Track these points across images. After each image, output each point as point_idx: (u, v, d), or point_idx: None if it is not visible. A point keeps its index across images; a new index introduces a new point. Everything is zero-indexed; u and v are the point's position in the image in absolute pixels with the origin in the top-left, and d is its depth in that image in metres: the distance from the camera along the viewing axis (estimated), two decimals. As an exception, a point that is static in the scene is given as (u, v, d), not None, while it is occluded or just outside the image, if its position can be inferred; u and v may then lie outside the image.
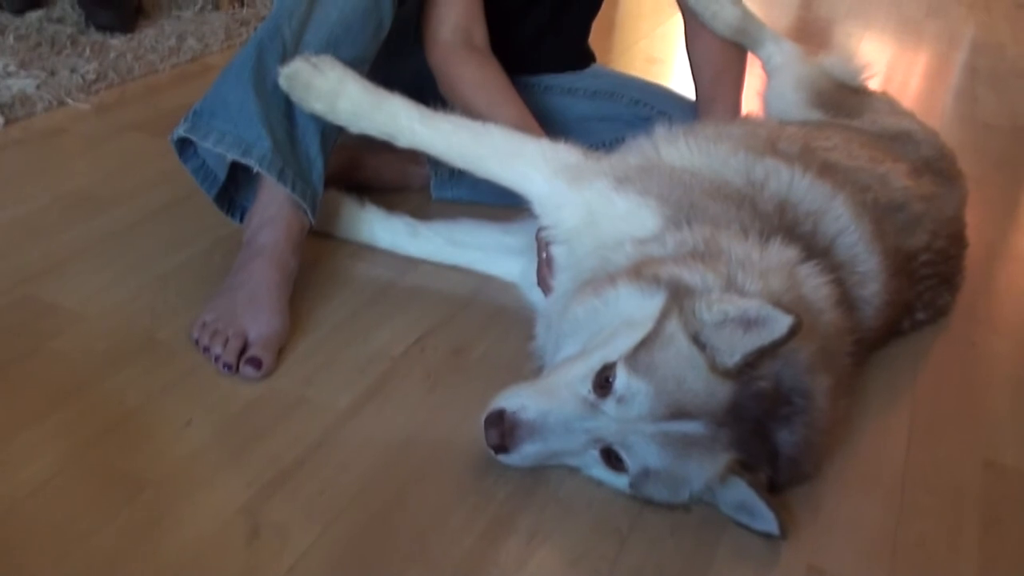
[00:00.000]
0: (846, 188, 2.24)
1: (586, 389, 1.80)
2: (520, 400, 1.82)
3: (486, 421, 1.83)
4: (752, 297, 1.81)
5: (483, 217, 2.64)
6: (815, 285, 1.98)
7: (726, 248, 1.95)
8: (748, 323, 1.75)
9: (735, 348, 1.74)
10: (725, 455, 1.78)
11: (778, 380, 1.78)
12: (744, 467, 1.79)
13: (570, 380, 1.82)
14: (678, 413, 1.74)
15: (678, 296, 1.83)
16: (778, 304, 1.76)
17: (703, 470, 1.79)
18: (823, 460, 2.00)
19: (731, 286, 1.86)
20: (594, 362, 1.81)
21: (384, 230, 2.59)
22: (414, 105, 2.29)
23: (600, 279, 1.96)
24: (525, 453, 1.82)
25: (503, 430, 1.80)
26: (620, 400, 1.76)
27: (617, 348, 1.80)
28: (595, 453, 1.83)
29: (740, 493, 1.80)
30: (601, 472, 1.87)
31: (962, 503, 2.06)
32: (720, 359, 1.74)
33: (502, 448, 1.82)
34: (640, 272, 1.91)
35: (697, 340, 1.76)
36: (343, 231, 2.59)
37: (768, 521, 1.78)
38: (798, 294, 1.94)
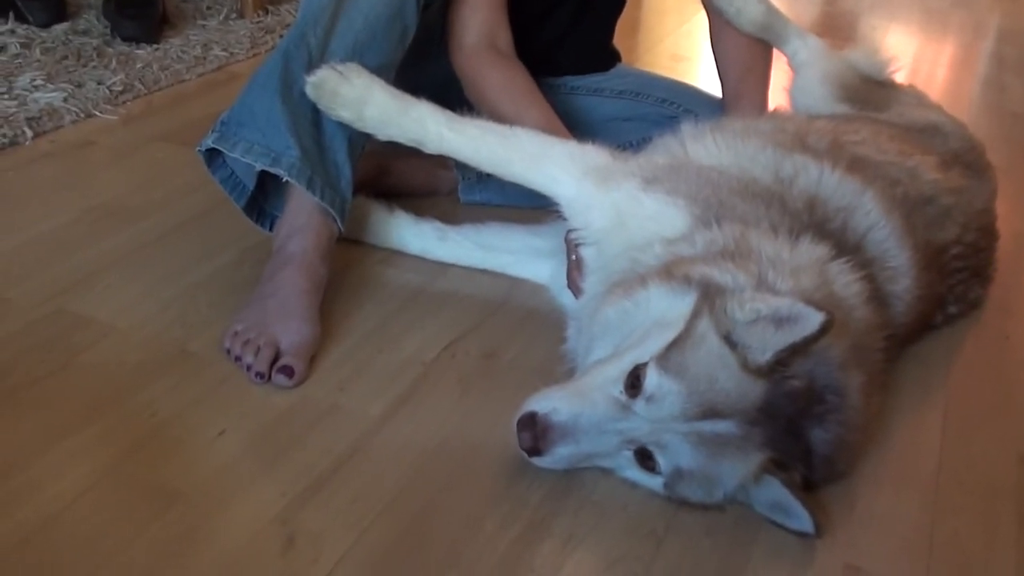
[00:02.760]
0: (876, 183, 2.23)
1: (618, 390, 1.79)
2: (552, 402, 1.82)
3: (518, 424, 1.82)
4: (784, 295, 1.81)
5: (512, 220, 2.64)
6: (846, 282, 1.98)
7: (756, 247, 1.95)
8: (780, 321, 1.75)
9: (767, 346, 1.73)
10: (758, 454, 1.77)
11: (811, 378, 1.78)
12: (778, 466, 1.79)
13: (602, 382, 1.82)
14: (710, 413, 1.74)
15: (709, 295, 1.83)
16: (810, 302, 1.76)
17: (736, 469, 1.79)
18: (857, 457, 1.99)
19: (762, 285, 1.86)
20: (626, 363, 1.80)
21: (413, 235, 2.59)
22: (441, 111, 2.29)
23: (630, 280, 1.96)
24: (558, 455, 1.82)
25: (536, 433, 1.80)
26: (650, 399, 1.75)
27: (649, 349, 1.80)
28: (628, 454, 1.83)
29: (774, 492, 1.80)
30: (635, 474, 1.86)
31: (997, 499, 2.05)
32: (752, 357, 1.74)
33: (535, 451, 1.81)
34: (671, 272, 1.91)
35: (728, 339, 1.76)
36: (372, 237, 2.60)
37: (803, 520, 1.77)
38: (829, 291, 1.93)
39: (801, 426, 1.80)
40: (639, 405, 1.77)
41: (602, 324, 1.96)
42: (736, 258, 1.92)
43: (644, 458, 1.81)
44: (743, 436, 1.75)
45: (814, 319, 1.71)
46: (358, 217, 2.55)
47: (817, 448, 1.82)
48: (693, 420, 1.74)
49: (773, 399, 1.75)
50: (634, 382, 1.77)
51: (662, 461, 1.79)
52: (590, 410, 1.80)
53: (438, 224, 2.61)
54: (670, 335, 1.80)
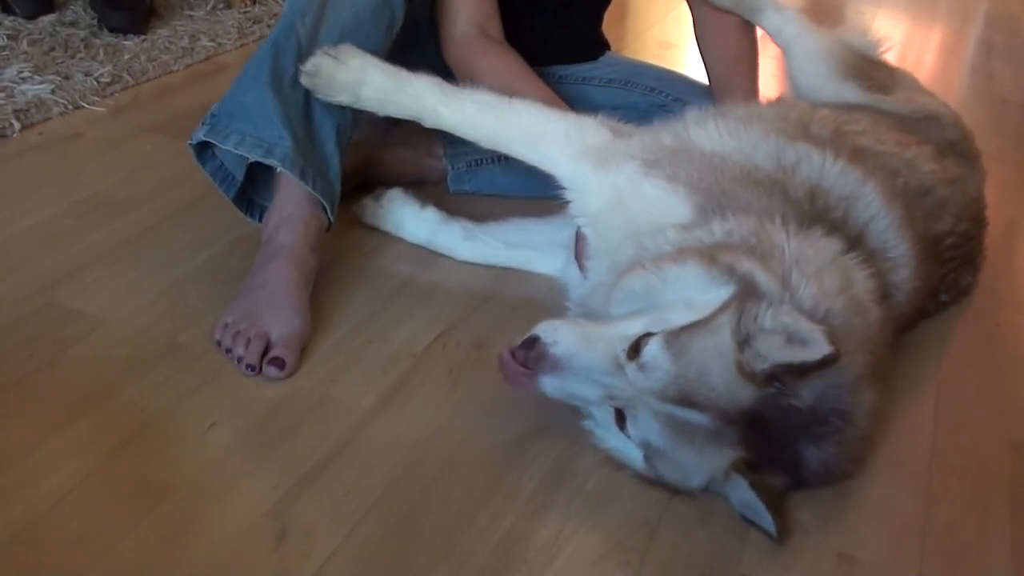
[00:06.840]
0: (877, 173, 2.22)
1: (621, 348, 1.79)
2: (556, 335, 1.82)
3: (522, 344, 1.84)
4: (814, 321, 1.77)
5: (529, 214, 2.63)
6: (860, 279, 1.96)
7: (779, 243, 1.92)
8: (792, 338, 1.73)
9: (770, 356, 1.72)
10: (729, 452, 1.77)
11: (819, 398, 1.76)
12: (749, 467, 1.78)
13: (611, 335, 1.82)
14: (686, 401, 1.73)
15: (745, 294, 1.80)
16: (831, 320, 1.79)
17: (703, 461, 1.79)
18: (857, 466, 1.97)
19: (787, 287, 1.83)
20: (639, 327, 1.80)
21: (444, 234, 2.59)
22: (438, 86, 2.29)
23: (661, 255, 1.94)
24: (542, 383, 1.82)
25: (530, 355, 1.81)
26: (641, 367, 1.75)
27: (666, 321, 1.79)
28: (612, 411, 1.84)
29: (742, 492, 1.80)
30: (617, 441, 1.87)
31: (990, 486, 2.05)
32: (751, 361, 1.73)
33: (523, 367, 1.83)
34: (715, 258, 1.87)
35: (744, 340, 1.74)
36: (397, 230, 2.62)
37: (767, 523, 1.78)
38: (850, 294, 1.91)
39: (794, 440, 1.79)
40: (630, 369, 1.77)
41: (625, 291, 1.93)
42: (760, 254, 1.90)
43: (623, 419, 1.82)
44: (715, 432, 1.75)
45: (821, 348, 1.68)
46: (387, 210, 2.59)
47: (809, 463, 1.81)
48: (668, 402, 1.74)
49: (762, 408, 1.74)
50: (636, 346, 1.77)
51: (632, 430, 1.80)
52: (587, 355, 1.80)
53: (466, 223, 2.60)
54: (692, 317, 1.78)
